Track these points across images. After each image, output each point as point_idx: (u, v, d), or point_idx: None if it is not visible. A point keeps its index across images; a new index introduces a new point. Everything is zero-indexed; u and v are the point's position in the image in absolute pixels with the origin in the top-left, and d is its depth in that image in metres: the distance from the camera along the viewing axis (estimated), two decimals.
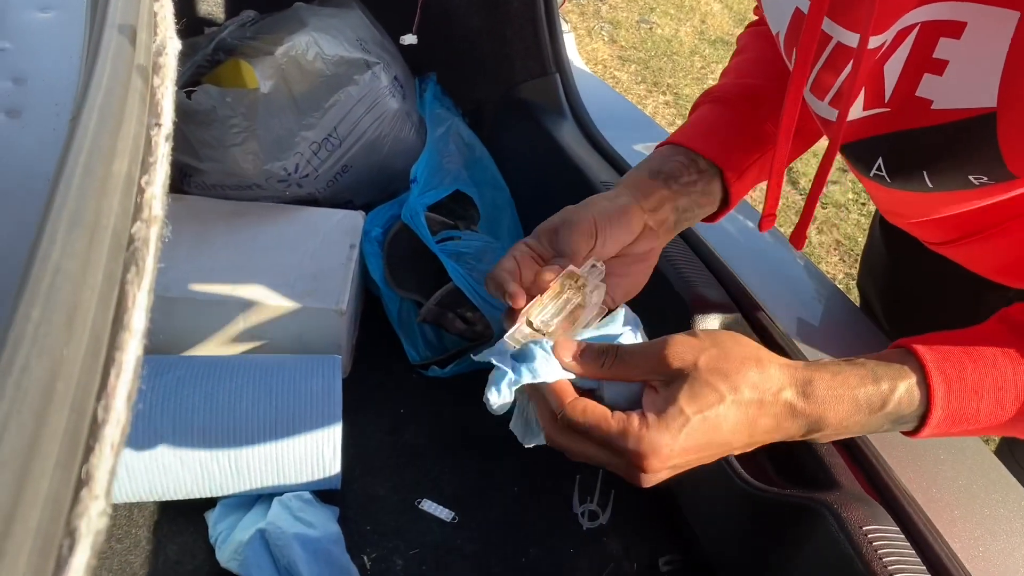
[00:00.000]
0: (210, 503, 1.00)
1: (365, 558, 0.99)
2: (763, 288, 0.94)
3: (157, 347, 1.11)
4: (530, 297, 0.59)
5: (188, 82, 1.25)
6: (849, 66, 0.59)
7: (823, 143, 0.70)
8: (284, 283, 1.13)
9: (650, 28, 3.89)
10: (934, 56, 0.55)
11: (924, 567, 0.64)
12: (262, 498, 1.00)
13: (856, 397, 0.54)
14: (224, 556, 0.94)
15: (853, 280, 2.39)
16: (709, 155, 0.72)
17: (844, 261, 2.54)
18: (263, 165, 1.24)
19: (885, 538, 0.66)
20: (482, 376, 0.56)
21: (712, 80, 3.48)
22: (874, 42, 0.57)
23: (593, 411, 0.54)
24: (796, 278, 1.03)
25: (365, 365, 1.23)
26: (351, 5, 1.38)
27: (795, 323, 0.92)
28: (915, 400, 0.55)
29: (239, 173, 1.24)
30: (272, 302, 1.10)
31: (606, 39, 3.74)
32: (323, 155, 1.27)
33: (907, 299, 1.04)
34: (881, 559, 0.64)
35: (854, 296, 1.44)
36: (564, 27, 1.43)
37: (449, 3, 1.44)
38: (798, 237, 0.76)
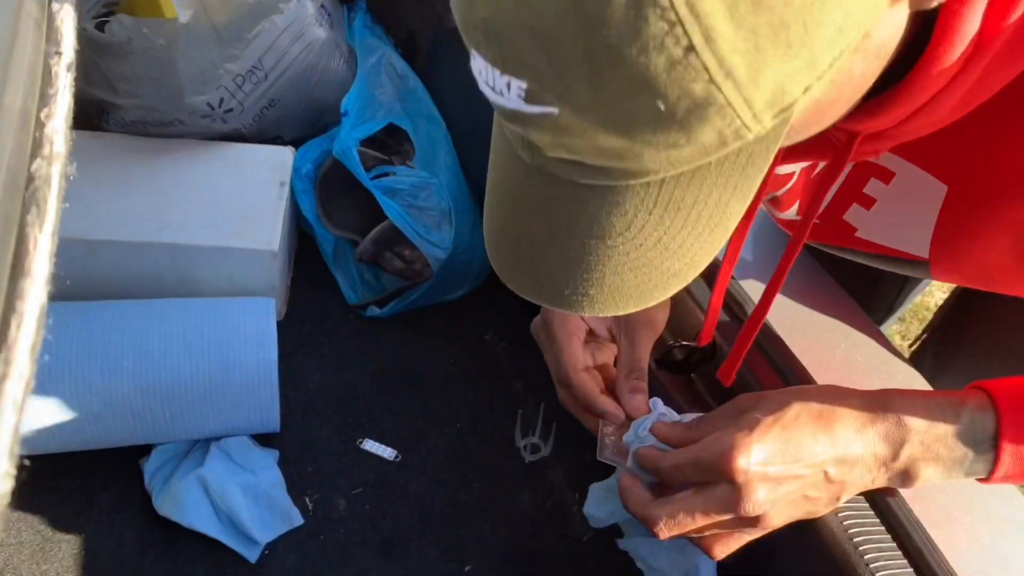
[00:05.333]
0: (144, 451, 0.97)
1: (307, 500, 0.99)
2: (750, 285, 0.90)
3: (81, 293, 1.07)
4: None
5: (100, 12, 1.18)
6: (791, 182, 0.62)
7: None
8: (212, 224, 1.09)
9: None
10: (864, 191, 0.58)
11: (905, 560, 0.64)
12: (199, 443, 0.99)
13: (927, 403, 0.54)
14: (161, 504, 0.92)
15: None
16: None
17: None
18: (185, 99, 1.18)
19: (865, 531, 0.65)
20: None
21: None
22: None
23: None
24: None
25: (301, 307, 1.21)
26: None
27: (790, 316, 0.89)
28: (984, 404, 0.54)
29: (159, 108, 1.19)
30: (200, 243, 1.07)
31: None
32: (248, 88, 1.22)
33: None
34: (863, 557, 0.64)
35: None
36: None
37: None
38: (725, 374, 0.71)
